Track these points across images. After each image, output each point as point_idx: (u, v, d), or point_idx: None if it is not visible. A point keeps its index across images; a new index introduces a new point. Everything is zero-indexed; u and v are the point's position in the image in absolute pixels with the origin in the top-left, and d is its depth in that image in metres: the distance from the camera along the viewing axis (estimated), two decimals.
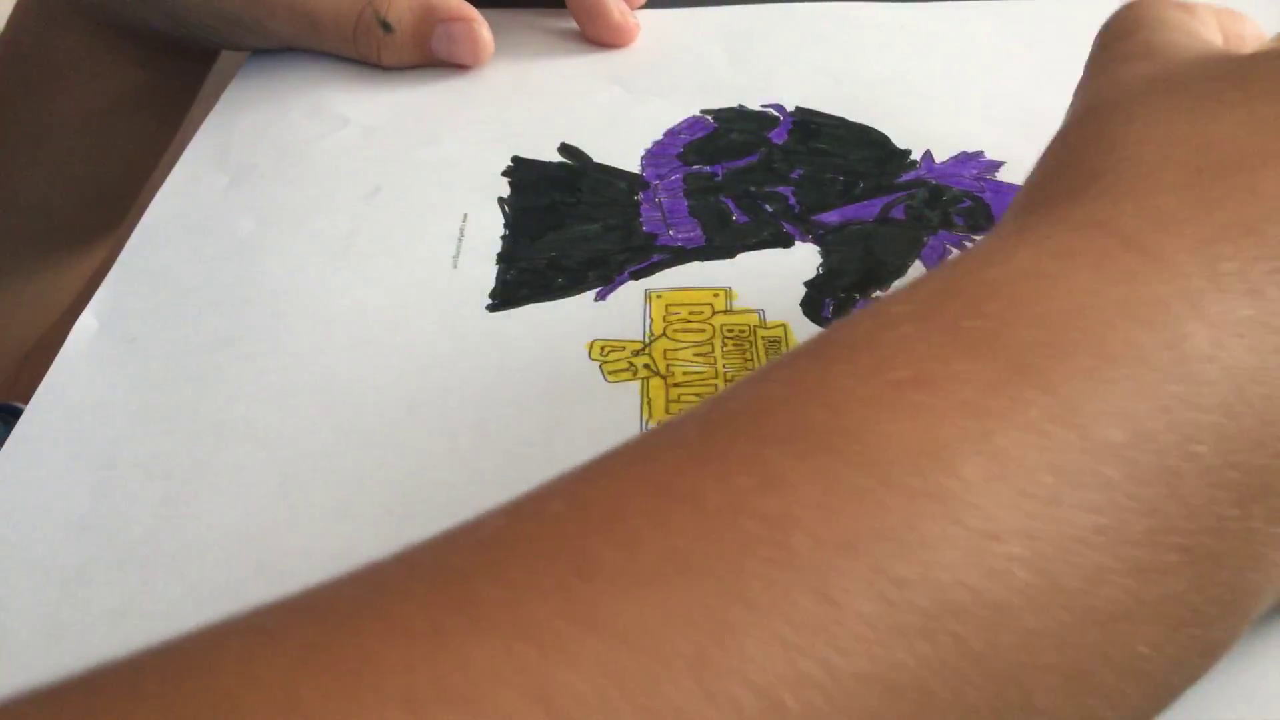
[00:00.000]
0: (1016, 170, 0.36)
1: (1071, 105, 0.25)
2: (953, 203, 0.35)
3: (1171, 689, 0.17)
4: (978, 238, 0.33)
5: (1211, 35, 0.26)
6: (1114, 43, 0.25)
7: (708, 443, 0.16)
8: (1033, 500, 0.15)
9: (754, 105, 0.40)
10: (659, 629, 0.14)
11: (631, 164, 0.37)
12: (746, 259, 0.33)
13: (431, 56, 0.42)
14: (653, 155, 0.38)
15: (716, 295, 0.31)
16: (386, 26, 0.41)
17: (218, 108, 0.41)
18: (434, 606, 0.14)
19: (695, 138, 0.39)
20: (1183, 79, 0.22)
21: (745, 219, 0.34)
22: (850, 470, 0.15)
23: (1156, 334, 0.17)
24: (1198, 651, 0.17)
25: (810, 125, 0.39)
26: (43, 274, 0.51)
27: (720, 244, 0.33)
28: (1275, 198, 0.18)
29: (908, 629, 0.14)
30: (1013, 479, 0.15)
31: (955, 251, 0.33)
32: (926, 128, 0.38)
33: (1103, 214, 0.19)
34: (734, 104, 0.40)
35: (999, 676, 0.15)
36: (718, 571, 0.14)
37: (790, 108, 0.40)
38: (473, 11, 0.42)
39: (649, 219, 0.35)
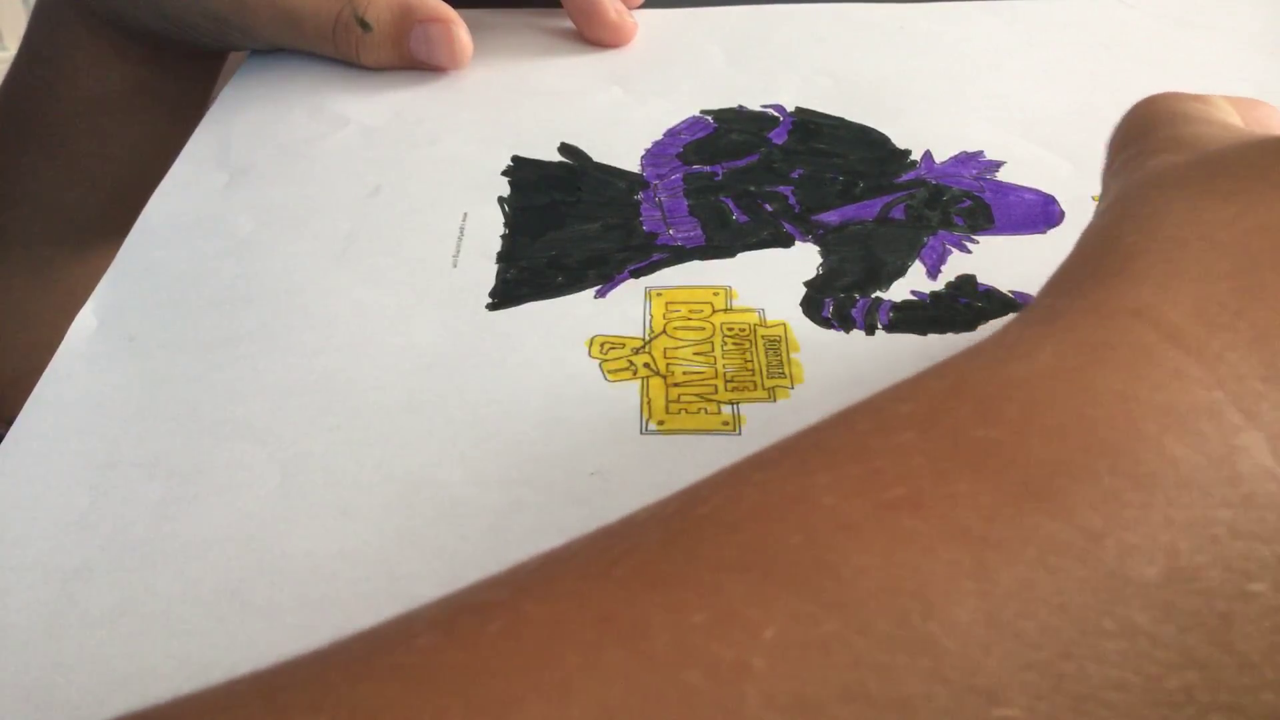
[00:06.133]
0: (1016, 170, 0.36)
1: (1098, 208, 0.23)
2: (953, 203, 0.35)
3: None
4: (977, 238, 0.33)
5: (1235, 121, 0.24)
6: (1133, 142, 0.23)
7: (665, 560, 0.14)
8: (1037, 651, 0.13)
9: (754, 105, 0.40)
10: None
11: (631, 164, 0.37)
12: (746, 258, 0.33)
13: (410, 57, 0.42)
14: (653, 155, 0.38)
15: (716, 294, 0.31)
16: (365, 25, 0.41)
17: (216, 106, 0.41)
18: None
19: (695, 138, 0.39)
20: (1222, 163, 0.19)
21: (745, 219, 0.34)
22: (820, 611, 0.13)
23: (1203, 447, 0.14)
24: None
25: (810, 125, 0.39)
26: (61, 271, 0.51)
27: (720, 243, 0.33)
28: None
29: None
30: (1013, 625, 0.13)
31: (954, 251, 0.33)
32: (926, 128, 0.38)
33: (1140, 300, 0.16)
34: (734, 104, 0.40)
35: None
36: None
37: (790, 108, 0.40)
38: (451, 13, 0.42)
39: (649, 218, 0.35)
